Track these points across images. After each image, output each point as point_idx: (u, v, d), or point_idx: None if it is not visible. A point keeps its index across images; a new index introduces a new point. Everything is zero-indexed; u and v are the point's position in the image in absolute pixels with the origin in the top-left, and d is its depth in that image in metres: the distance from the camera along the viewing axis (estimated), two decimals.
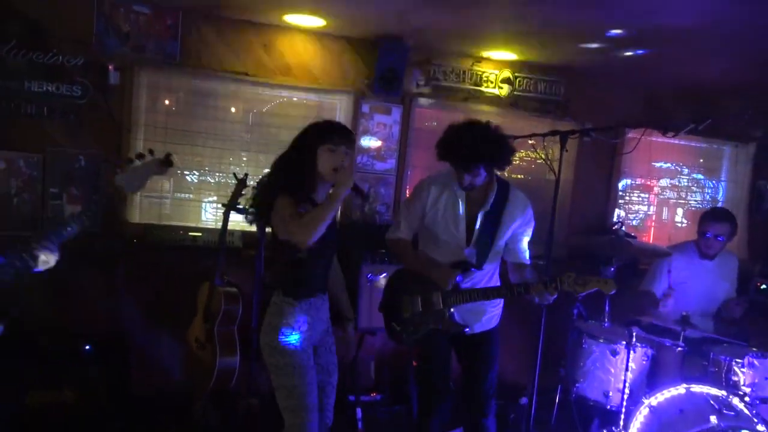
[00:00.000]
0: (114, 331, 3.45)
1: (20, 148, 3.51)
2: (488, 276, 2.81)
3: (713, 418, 2.71)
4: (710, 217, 3.66)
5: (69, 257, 3.49)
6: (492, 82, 4.28)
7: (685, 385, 3.06)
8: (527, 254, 2.84)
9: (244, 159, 4.02)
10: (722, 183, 5.18)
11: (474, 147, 2.55)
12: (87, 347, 3.20)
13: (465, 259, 2.73)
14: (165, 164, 2.30)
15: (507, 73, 4.31)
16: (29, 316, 3.46)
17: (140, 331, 3.69)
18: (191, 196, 3.99)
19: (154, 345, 3.76)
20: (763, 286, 4.37)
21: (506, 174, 4.55)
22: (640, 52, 3.69)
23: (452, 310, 2.69)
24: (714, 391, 3.00)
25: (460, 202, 2.73)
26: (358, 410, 3.57)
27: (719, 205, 5.02)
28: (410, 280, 2.81)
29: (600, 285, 2.48)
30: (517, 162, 4.60)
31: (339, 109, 4.16)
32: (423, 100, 4.24)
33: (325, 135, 2.32)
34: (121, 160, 2.25)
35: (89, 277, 3.67)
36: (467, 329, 2.74)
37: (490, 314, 2.84)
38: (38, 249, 1.96)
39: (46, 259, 1.99)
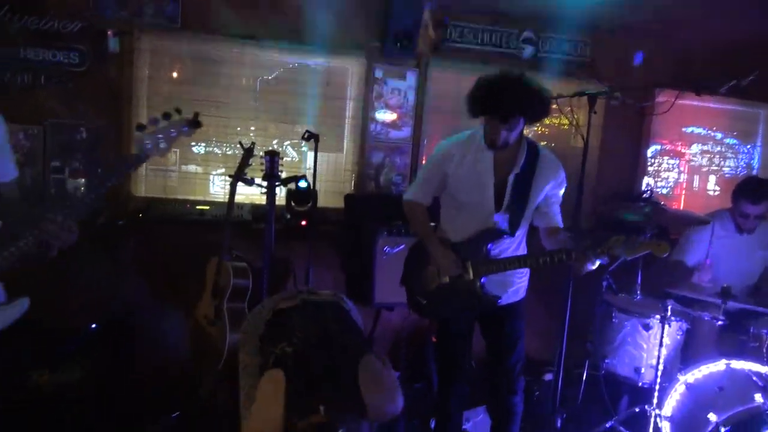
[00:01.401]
0: (119, 309, 3.33)
1: (18, 120, 3.36)
2: (516, 243, 2.61)
3: (758, 397, 2.52)
4: (747, 198, 3.36)
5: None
6: (513, 43, 4.02)
7: (725, 361, 2.88)
8: (560, 218, 2.63)
9: (252, 128, 3.83)
10: (758, 148, 4.89)
11: (515, 96, 2.33)
12: (92, 326, 3.07)
13: (494, 226, 2.53)
14: (193, 125, 2.04)
15: (529, 33, 4.05)
16: (31, 295, 3.36)
17: (146, 309, 3.56)
18: (198, 168, 3.83)
19: (160, 323, 3.63)
20: None
21: None
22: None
23: (483, 280, 2.51)
24: (757, 367, 2.82)
25: (488, 164, 2.52)
26: None
27: (755, 172, 4.75)
28: (423, 251, 2.63)
29: (652, 247, 2.27)
30: (539, 128, 4.36)
31: (350, 74, 3.94)
32: (439, 64, 4.00)
33: None
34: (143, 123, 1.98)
35: (93, 253, 3.53)
36: (500, 300, 2.56)
37: (517, 286, 2.66)
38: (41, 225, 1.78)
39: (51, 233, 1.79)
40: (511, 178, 2.52)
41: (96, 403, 2.96)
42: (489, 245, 2.52)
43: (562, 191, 2.62)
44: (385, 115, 3.95)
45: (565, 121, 3.82)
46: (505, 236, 2.54)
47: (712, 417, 2.55)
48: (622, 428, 3.22)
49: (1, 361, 2.85)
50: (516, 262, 2.50)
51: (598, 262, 2.31)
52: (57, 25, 3.30)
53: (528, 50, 4.00)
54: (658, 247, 2.28)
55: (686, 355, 3.31)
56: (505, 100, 2.34)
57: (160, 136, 1.95)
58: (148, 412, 3.14)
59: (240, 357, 1.99)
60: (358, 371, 1.78)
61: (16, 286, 2.33)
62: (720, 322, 3.00)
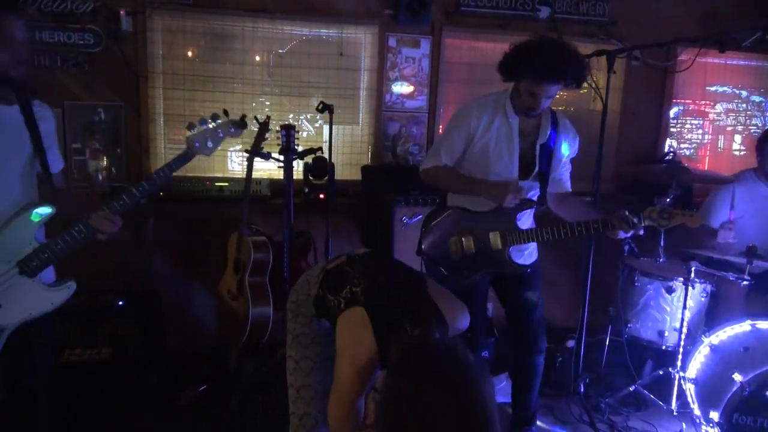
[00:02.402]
0: (146, 285, 3.39)
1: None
2: (531, 211, 2.61)
3: None
4: None
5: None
6: (529, 5, 3.93)
7: (750, 322, 2.84)
8: (570, 183, 2.65)
9: (267, 103, 3.83)
10: None
11: (559, 59, 2.27)
12: (120, 303, 3.14)
13: (524, 197, 2.50)
14: (239, 125, 2.15)
15: None
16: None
17: (172, 285, 3.63)
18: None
19: (186, 298, 3.71)
20: None
21: None
22: None
23: (510, 250, 2.49)
24: None
25: (514, 131, 2.47)
26: None
27: None
28: (452, 220, 2.58)
29: (686, 218, 2.28)
30: (560, 93, 4.28)
31: (364, 44, 3.90)
32: (453, 30, 3.93)
33: None
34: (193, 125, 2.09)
35: (117, 232, 3.60)
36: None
37: (531, 248, 2.67)
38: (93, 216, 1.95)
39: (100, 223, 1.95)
40: (538, 146, 2.49)
41: (126, 378, 3.03)
42: (518, 215, 2.48)
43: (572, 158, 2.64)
44: (400, 87, 3.91)
45: (585, 84, 3.74)
46: (534, 206, 2.52)
47: (737, 377, 2.53)
48: (645, 392, 3.22)
49: (39, 339, 2.96)
50: (549, 231, 2.44)
51: (632, 232, 2.29)
52: (70, 5, 3.31)
53: (544, 11, 3.90)
54: (691, 218, 2.28)
55: (713, 318, 3.27)
56: (552, 63, 2.28)
57: (208, 136, 2.06)
58: (177, 385, 3.23)
59: (289, 327, 1.97)
60: (428, 289, 1.79)
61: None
62: (745, 282, 2.95)
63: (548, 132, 2.49)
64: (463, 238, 2.52)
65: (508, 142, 2.48)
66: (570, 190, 2.64)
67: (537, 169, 2.51)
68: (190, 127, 2.04)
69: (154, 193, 1.92)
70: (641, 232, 2.32)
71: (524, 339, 2.70)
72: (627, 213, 2.28)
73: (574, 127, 2.63)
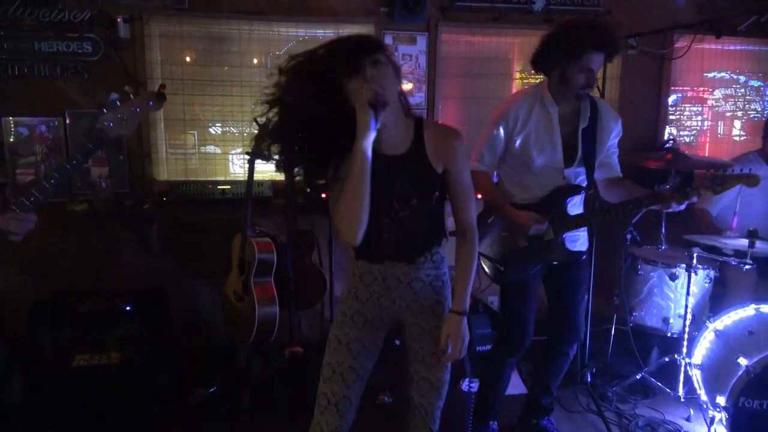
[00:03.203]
0: (153, 289, 3.42)
1: (39, 112, 3.45)
2: (581, 197, 2.60)
3: None
4: None
5: (100, 220, 3.51)
6: None
7: (754, 306, 2.84)
8: (619, 167, 2.63)
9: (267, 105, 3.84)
10: None
11: (603, 28, 2.29)
12: (127, 307, 3.17)
13: (568, 182, 2.50)
14: (157, 98, 2.01)
15: None
16: (66, 281, 3.49)
17: (179, 287, 3.67)
18: (216, 148, 3.88)
19: (194, 299, 3.75)
20: None
21: None
22: None
23: (564, 237, 2.49)
24: None
25: (555, 120, 2.46)
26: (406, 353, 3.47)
27: None
28: (494, 217, 2.58)
29: (743, 180, 2.26)
30: None
31: None
32: (449, 25, 3.94)
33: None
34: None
35: (122, 237, 3.64)
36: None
37: (583, 236, 2.64)
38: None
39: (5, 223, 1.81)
40: (579, 131, 2.47)
41: (137, 381, 3.06)
42: (567, 202, 2.48)
43: (618, 140, 2.61)
44: (404, 86, 3.92)
45: None
46: (582, 191, 2.52)
47: (743, 361, 2.54)
48: (652, 379, 3.23)
49: (44, 346, 2.98)
50: (600, 213, 2.45)
51: (685, 203, 2.28)
52: (68, 15, 3.34)
53: (539, 3, 3.90)
54: (749, 179, 2.25)
55: (721, 304, 3.28)
56: (608, 40, 2.28)
57: (123, 114, 1.91)
58: (187, 385, 3.26)
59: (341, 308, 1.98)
60: None
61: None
62: (748, 266, 2.95)
63: (588, 115, 2.46)
64: (511, 231, 2.52)
65: (549, 132, 2.46)
66: (620, 174, 2.61)
67: (580, 153, 2.47)
68: (101, 108, 1.90)
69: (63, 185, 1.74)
70: (695, 199, 2.28)
71: (567, 328, 2.66)
72: (679, 184, 2.28)
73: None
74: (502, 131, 2.49)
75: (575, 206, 2.56)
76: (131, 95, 1.95)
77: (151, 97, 1.99)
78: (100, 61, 3.45)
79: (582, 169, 2.51)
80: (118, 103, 1.93)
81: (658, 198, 2.30)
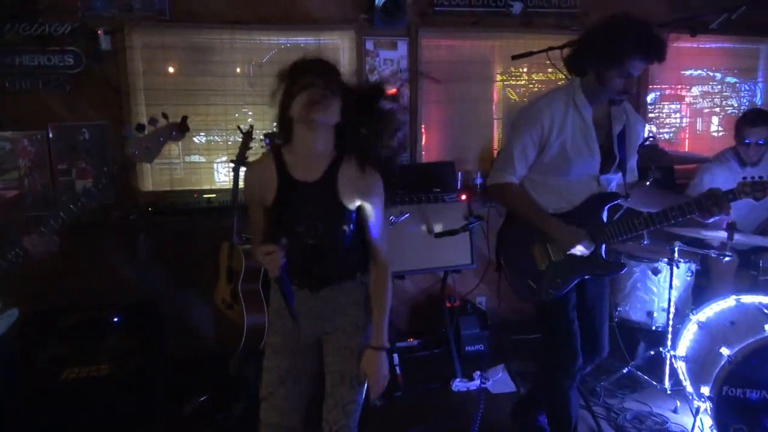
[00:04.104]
0: (142, 299, 3.41)
1: (21, 127, 3.44)
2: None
3: None
4: (746, 122, 3.40)
5: (87, 232, 3.50)
6: (502, 0, 3.99)
7: (734, 297, 2.90)
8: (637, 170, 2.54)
9: (250, 113, 3.87)
10: (759, 84, 4.83)
11: (655, 41, 2.11)
12: (116, 319, 3.17)
13: (606, 189, 2.36)
14: (181, 128, 2.05)
15: None
16: (55, 294, 3.47)
17: (168, 296, 3.66)
18: (201, 158, 3.89)
19: (184, 309, 3.75)
20: None
21: (524, 99, 4.34)
22: None
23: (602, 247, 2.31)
24: (766, 299, 2.83)
25: (590, 123, 2.27)
26: (395, 356, 3.50)
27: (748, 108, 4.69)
28: (531, 227, 2.36)
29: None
30: (536, 86, 4.36)
31: (342, 49, 3.95)
32: (429, 30, 3.99)
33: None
34: (129, 127, 2.02)
35: (110, 249, 3.64)
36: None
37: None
38: (24, 239, 1.92)
39: (33, 245, 1.93)
40: (615, 135, 2.32)
41: (128, 392, 3.06)
42: (604, 210, 2.34)
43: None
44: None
45: (561, 76, 3.81)
46: (619, 199, 2.37)
47: (725, 351, 2.59)
48: (639, 373, 3.28)
49: (34, 360, 2.97)
50: (643, 221, 2.27)
51: (723, 214, 2.18)
52: (49, 28, 3.34)
53: (517, 6, 3.97)
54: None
55: (704, 296, 3.33)
56: (656, 47, 2.12)
57: (148, 142, 1.98)
58: (180, 394, 3.25)
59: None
60: None
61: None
62: (727, 259, 3.01)
63: (624, 118, 2.32)
64: (548, 245, 2.34)
65: (585, 137, 2.27)
66: (638, 177, 2.53)
67: (618, 158, 2.32)
68: (127, 133, 2.01)
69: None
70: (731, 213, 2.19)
71: (591, 349, 2.46)
72: (721, 191, 2.16)
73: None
74: (536, 137, 2.28)
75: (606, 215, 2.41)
76: (155, 124, 1.99)
77: (174, 127, 2.03)
78: (82, 74, 3.45)
79: (616, 176, 2.38)
80: (144, 131, 1.97)
81: (701, 206, 2.18)
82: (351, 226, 1.86)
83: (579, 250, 2.25)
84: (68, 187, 3.54)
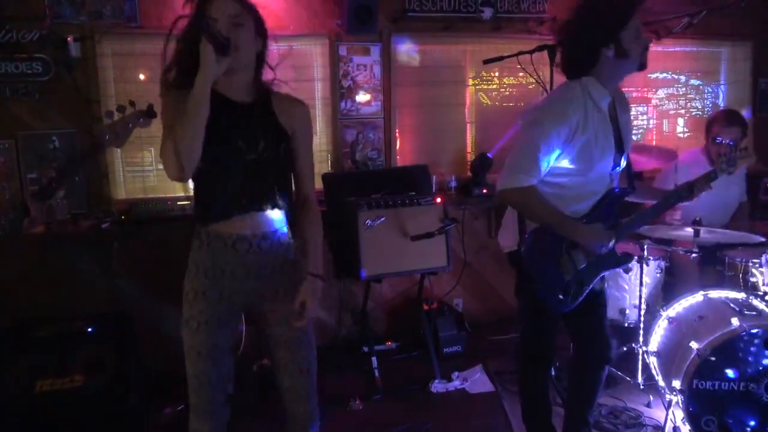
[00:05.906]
0: (116, 310, 3.36)
1: None
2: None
3: (734, 320, 2.63)
4: (721, 121, 3.50)
5: (58, 242, 3.44)
6: (472, 6, 4.05)
7: (702, 292, 2.98)
8: None
9: None
10: (722, 86, 4.99)
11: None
12: (89, 329, 3.12)
13: (613, 185, 2.26)
14: (147, 115, 2.20)
15: None
16: (26, 306, 3.41)
17: (143, 306, 3.61)
18: None
19: (158, 318, 3.68)
20: None
21: (496, 103, 4.41)
22: None
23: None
24: (733, 294, 2.93)
25: (607, 114, 2.14)
26: (374, 359, 3.51)
27: (721, 109, 4.84)
28: (552, 238, 2.20)
29: (744, 160, 2.39)
30: (507, 89, 4.43)
31: (315, 55, 3.96)
32: (401, 35, 4.03)
33: None
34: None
35: (82, 259, 3.58)
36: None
37: None
38: None
39: None
40: (621, 123, 2.20)
41: (104, 404, 3.01)
42: (615, 207, 2.26)
43: None
44: (361, 96, 3.99)
45: (531, 80, 3.88)
46: (629, 192, 2.31)
47: (694, 345, 2.66)
48: (613, 369, 3.33)
49: (6, 372, 2.91)
50: (653, 212, 2.34)
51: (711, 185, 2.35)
52: (16, 35, 3.29)
53: (487, 12, 4.04)
54: (747, 158, 2.40)
55: (670, 294, 3.41)
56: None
57: (117, 128, 2.14)
58: (156, 405, 3.21)
59: None
60: None
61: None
62: (694, 254, 3.10)
63: (626, 103, 2.26)
64: (572, 252, 2.23)
65: (605, 132, 2.13)
66: None
67: (626, 150, 2.25)
68: (97, 121, 2.11)
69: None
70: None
71: (599, 345, 2.46)
72: (707, 172, 2.32)
73: None
74: (563, 132, 2.07)
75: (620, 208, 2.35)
76: (123, 111, 2.14)
77: (141, 113, 2.18)
78: (51, 82, 3.41)
79: (622, 167, 2.28)
80: (113, 117, 2.13)
81: (691, 189, 2.32)
82: (285, 146, 1.89)
83: (605, 247, 2.20)
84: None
